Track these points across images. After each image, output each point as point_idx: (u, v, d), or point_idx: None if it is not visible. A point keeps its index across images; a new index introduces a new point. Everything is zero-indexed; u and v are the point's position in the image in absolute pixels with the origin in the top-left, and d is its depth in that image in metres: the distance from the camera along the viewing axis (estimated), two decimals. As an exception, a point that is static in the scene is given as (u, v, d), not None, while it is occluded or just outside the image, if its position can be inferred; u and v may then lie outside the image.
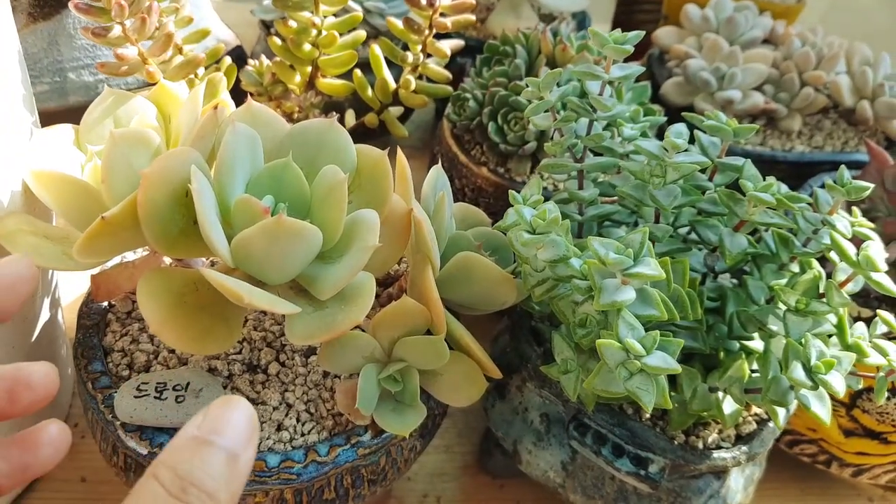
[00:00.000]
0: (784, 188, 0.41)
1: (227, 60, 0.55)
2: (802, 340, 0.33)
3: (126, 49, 0.41)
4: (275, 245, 0.34)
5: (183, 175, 0.34)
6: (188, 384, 0.37)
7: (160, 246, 0.34)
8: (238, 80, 0.56)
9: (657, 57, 0.68)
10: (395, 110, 0.58)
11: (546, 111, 0.41)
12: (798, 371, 0.32)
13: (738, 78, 0.58)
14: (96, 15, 0.40)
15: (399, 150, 0.42)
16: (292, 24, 0.53)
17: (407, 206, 0.40)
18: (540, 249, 0.34)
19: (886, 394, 0.47)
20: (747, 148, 0.60)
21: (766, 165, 0.59)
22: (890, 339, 0.43)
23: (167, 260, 0.42)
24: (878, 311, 0.41)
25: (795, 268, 0.39)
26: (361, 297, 0.36)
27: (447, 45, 0.53)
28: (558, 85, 0.45)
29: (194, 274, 0.35)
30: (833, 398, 0.41)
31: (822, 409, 0.33)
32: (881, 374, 0.38)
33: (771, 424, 0.42)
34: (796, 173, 0.58)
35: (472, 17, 0.53)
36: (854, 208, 0.42)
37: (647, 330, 0.40)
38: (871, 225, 0.41)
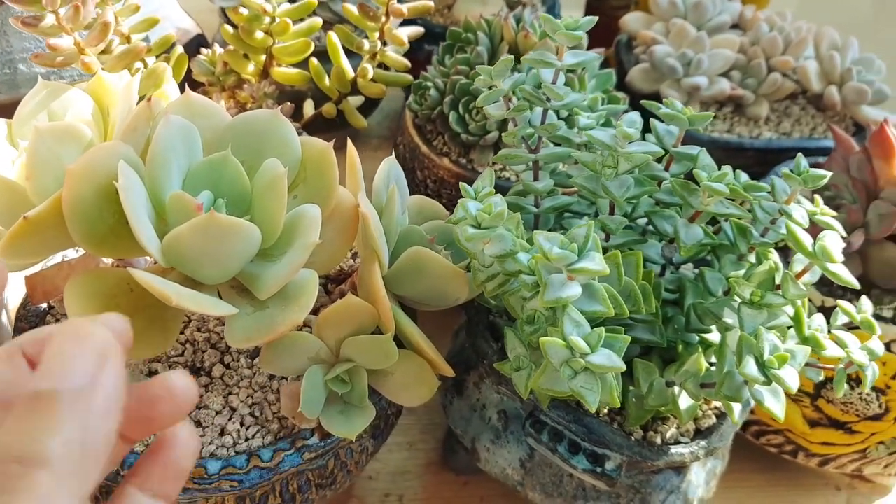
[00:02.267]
0: (744, 177, 0.40)
1: (179, 49, 0.53)
2: (756, 334, 0.32)
3: (60, 39, 0.40)
4: (208, 243, 0.32)
5: (111, 170, 0.32)
6: (126, 388, 0.36)
7: (88, 245, 0.32)
8: (191, 71, 0.54)
9: (625, 43, 0.67)
10: (355, 100, 0.56)
11: (499, 100, 0.40)
12: (750, 366, 0.31)
13: (704, 64, 0.57)
14: (27, 3, 0.39)
15: (349, 142, 0.41)
16: (244, 11, 0.51)
17: (355, 200, 0.39)
18: (487, 245, 0.33)
19: (848, 385, 0.47)
20: (714, 135, 0.59)
21: (733, 153, 0.58)
22: (851, 328, 0.43)
23: (107, 260, 0.40)
24: (839, 301, 0.40)
25: (755, 259, 0.38)
26: (304, 296, 0.34)
27: (405, 33, 0.52)
28: (518, 72, 0.43)
29: (128, 274, 0.34)
30: (799, 388, 0.41)
31: (776, 405, 0.32)
32: (840, 366, 0.38)
33: (728, 420, 0.41)
34: (763, 160, 0.57)
35: (431, 4, 0.51)
36: (816, 196, 0.42)
37: (603, 324, 0.39)
38: (833, 213, 0.40)
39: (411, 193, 0.45)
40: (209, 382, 0.38)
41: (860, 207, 0.49)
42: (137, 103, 0.39)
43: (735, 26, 0.66)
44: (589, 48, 0.92)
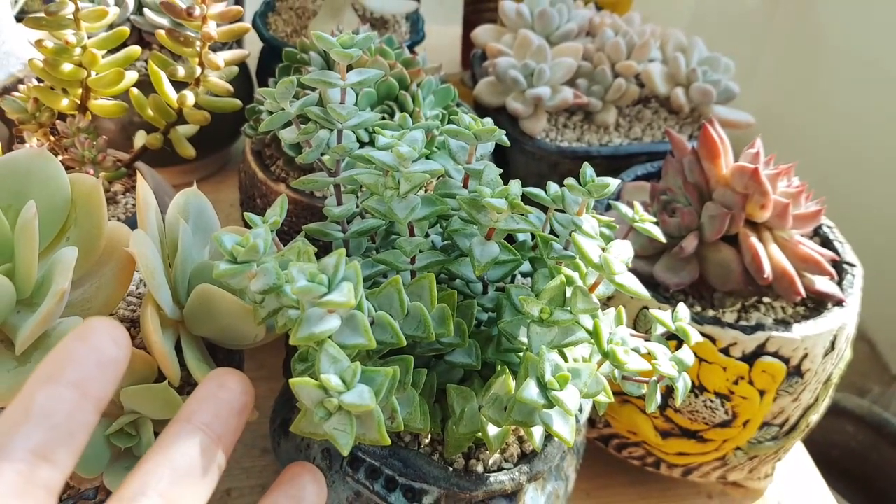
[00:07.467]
0: (554, 188, 0.39)
1: (-9, 88, 0.50)
2: (539, 353, 0.31)
3: None
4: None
5: None
6: None
7: None
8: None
9: (479, 57, 0.66)
10: (186, 129, 0.54)
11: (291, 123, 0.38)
12: (530, 389, 0.30)
13: (546, 74, 0.56)
14: None
15: (139, 175, 0.38)
16: (49, 43, 0.48)
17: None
18: (253, 280, 0.31)
19: (690, 391, 0.46)
20: (562, 145, 0.58)
21: (582, 161, 0.57)
22: (671, 337, 0.42)
23: None
24: (653, 311, 0.39)
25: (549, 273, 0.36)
26: (62, 347, 0.32)
27: (222, 56, 0.49)
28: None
29: None
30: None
31: (564, 428, 0.31)
32: (653, 379, 0.37)
33: (556, 439, 0.39)
34: (613, 167, 0.57)
35: (247, 26, 0.49)
36: (635, 203, 0.41)
37: (429, 351, 0.37)
38: (653, 219, 0.39)
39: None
40: (-13, 446, 0.35)
41: (694, 210, 0.48)
42: None
43: (589, 34, 0.65)
44: (464, 64, 0.92)
